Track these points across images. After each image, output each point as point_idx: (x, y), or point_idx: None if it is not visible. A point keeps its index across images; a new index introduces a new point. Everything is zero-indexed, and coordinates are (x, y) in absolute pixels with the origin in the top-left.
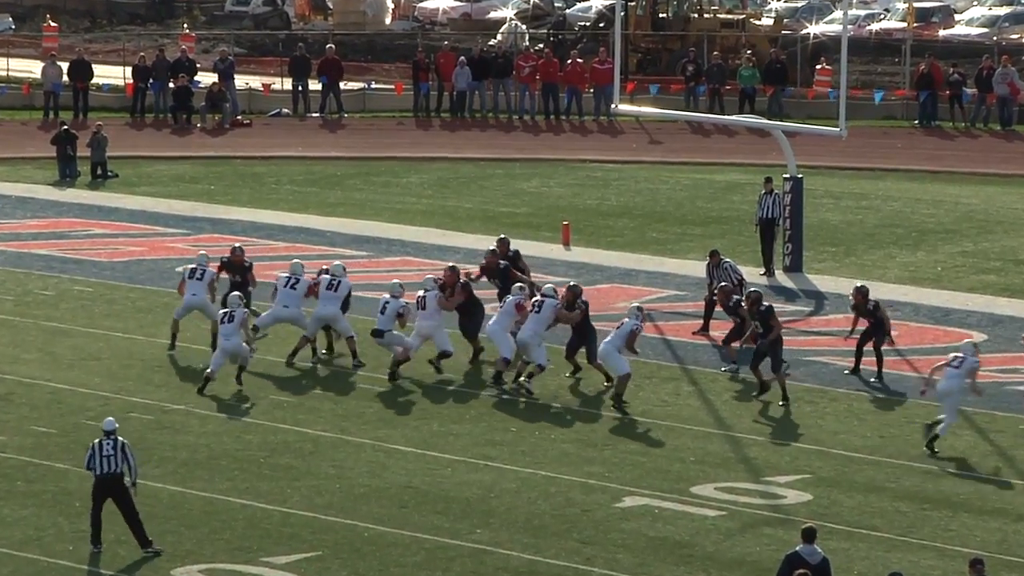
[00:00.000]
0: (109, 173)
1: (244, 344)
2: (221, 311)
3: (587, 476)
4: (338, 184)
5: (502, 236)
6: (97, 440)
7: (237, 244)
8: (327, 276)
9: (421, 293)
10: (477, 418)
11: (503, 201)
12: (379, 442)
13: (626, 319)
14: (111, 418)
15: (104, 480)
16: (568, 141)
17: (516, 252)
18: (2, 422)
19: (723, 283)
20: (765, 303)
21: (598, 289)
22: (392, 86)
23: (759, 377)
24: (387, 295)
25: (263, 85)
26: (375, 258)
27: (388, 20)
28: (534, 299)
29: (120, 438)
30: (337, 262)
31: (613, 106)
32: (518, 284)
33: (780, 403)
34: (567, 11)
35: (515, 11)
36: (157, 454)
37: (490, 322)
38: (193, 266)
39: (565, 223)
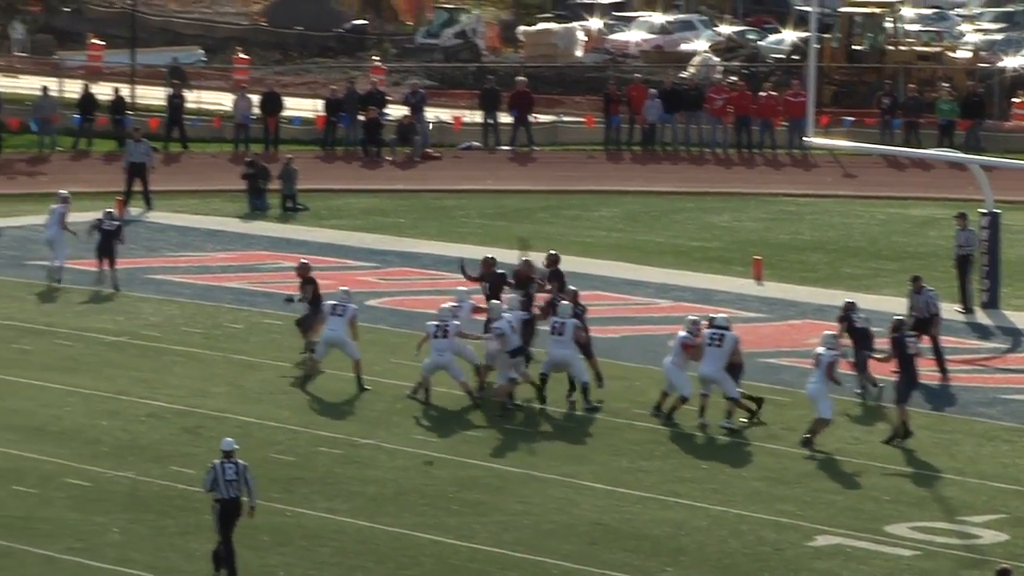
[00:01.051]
0: (299, 206)
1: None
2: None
3: (778, 514)
4: (527, 217)
5: (552, 252)
6: (218, 461)
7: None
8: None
9: (557, 319)
10: (667, 454)
11: (694, 235)
12: (567, 478)
13: (821, 350)
14: (230, 438)
15: (227, 504)
16: (761, 174)
17: (558, 270)
18: (191, 455)
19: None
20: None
21: (791, 325)
22: (583, 119)
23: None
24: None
25: (453, 118)
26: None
27: (579, 52)
28: (708, 332)
29: (240, 460)
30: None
31: (806, 139)
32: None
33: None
34: (760, 43)
35: (708, 43)
36: (345, 489)
37: (666, 360)
38: (335, 302)
39: (757, 258)
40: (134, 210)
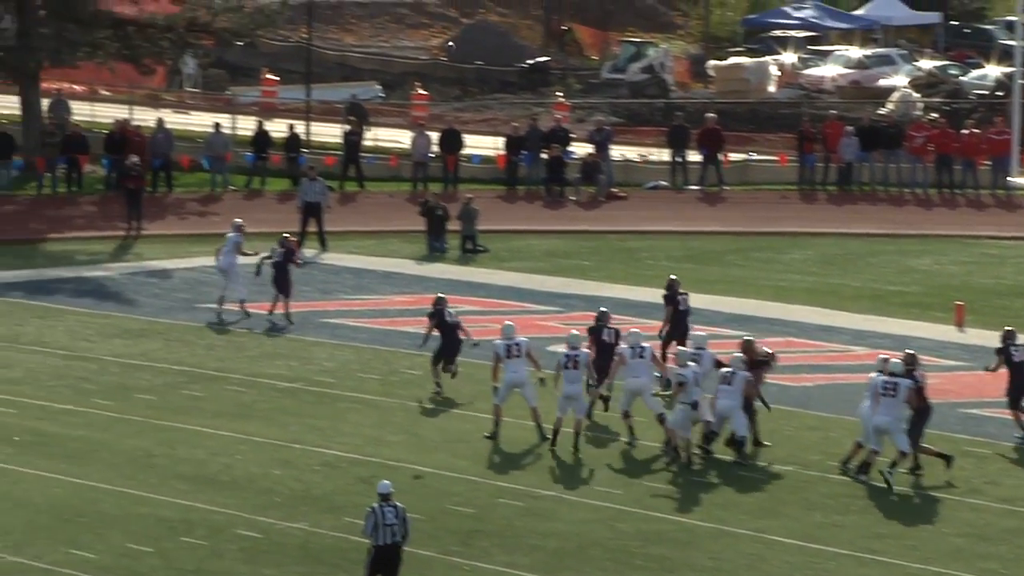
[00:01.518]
0: (479, 247)
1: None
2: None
3: (981, 573)
4: (716, 260)
5: (603, 309)
6: (376, 505)
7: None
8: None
9: (728, 369)
10: (862, 509)
11: (892, 279)
12: (759, 533)
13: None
14: (387, 481)
15: (385, 551)
16: (962, 216)
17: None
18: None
19: None
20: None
21: (994, 373)
22: (775, 157)
23: None
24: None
25: (639, 156)
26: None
27: (772, 88)
28: (882, 380)
29: (399, 504)
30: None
31: (1011, 179)
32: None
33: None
34: (963, 78)
35: (908, 79)
36: (526, 542)
37: (863, 406)
38: (507, 343)
39: (959, 303)
40: (309, 251)
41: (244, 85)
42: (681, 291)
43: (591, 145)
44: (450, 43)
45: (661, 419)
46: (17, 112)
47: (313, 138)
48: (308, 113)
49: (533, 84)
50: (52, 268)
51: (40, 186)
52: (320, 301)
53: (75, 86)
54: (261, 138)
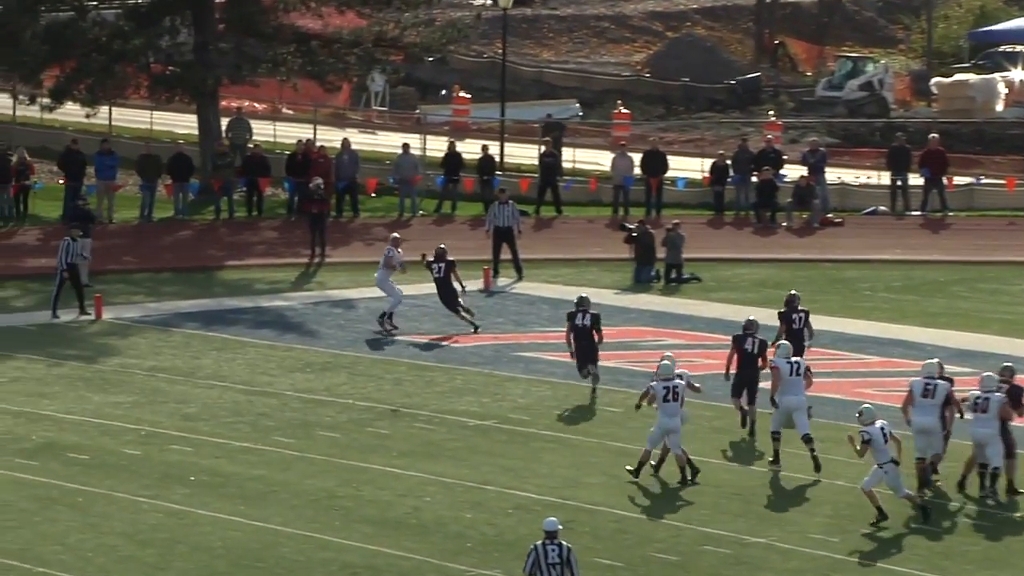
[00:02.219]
0: (685, 277)
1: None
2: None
3: None
4: (940, 291)
5: (751, 318)
6: (540, 543)
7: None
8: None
9: (979, 393)
10: None
11: None
12: None
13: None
14: (553, 518)
15: None
16: None
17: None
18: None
19: None
20: None
21: None
22: (1003, 181)
23: None
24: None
25: (857, 179)
26: (981, 375)
27: (999, 107)
28: (977, 396)
29: (565, 543)
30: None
31: None
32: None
33: None
34: None
35: None
36: None
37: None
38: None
39: None
40: (503, 280)
41: (434, 103)
42: (800, 308)
43: (804, 167)
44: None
45: (807, 439)
46: (195, 132)
47: (508, 159)
48: (502, 133)
49: (742, 102)
50: (230, 297)
51: (218, 210)
52: (514, 333)
53: (256, 104)
54: (452, 159)
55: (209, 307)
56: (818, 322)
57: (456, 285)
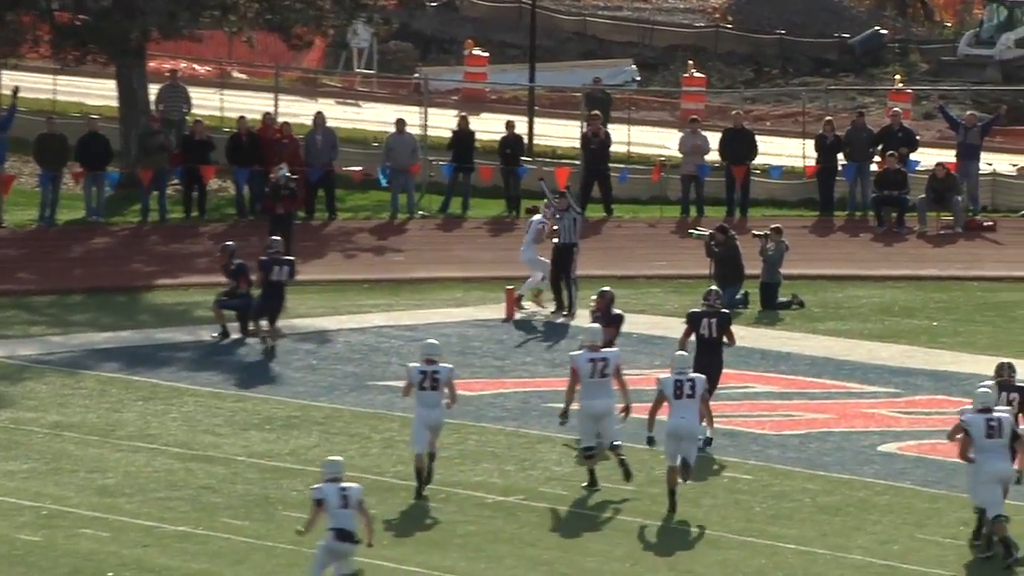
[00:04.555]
0: (784, 300)
1: None
2: None
3: None
4: None
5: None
6: None
7: None
8: None
9: None
10: None
11: None
12: None
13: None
14: None
15: None
16: None
17: None
18: None
19: None
20: None
21: None
22: None
23: None
24: None
25: (1016, 168)
26: None
27: None
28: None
29: None
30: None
31: None
32: None
33: None
34: None
35: None
36: None
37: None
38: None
39: None
40: (537, 307)
41: (440, 65)
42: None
43: (947, 152)
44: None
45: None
46: (114, 104)
47: (538, 141)
48: (531, 105)
49: (860, 64)
50: (162, 328)
51: (145, 210)
52: (549, 378)
53: (197, 66)
54: (463, 141)
55: (134, 342)
56: (960, 362)
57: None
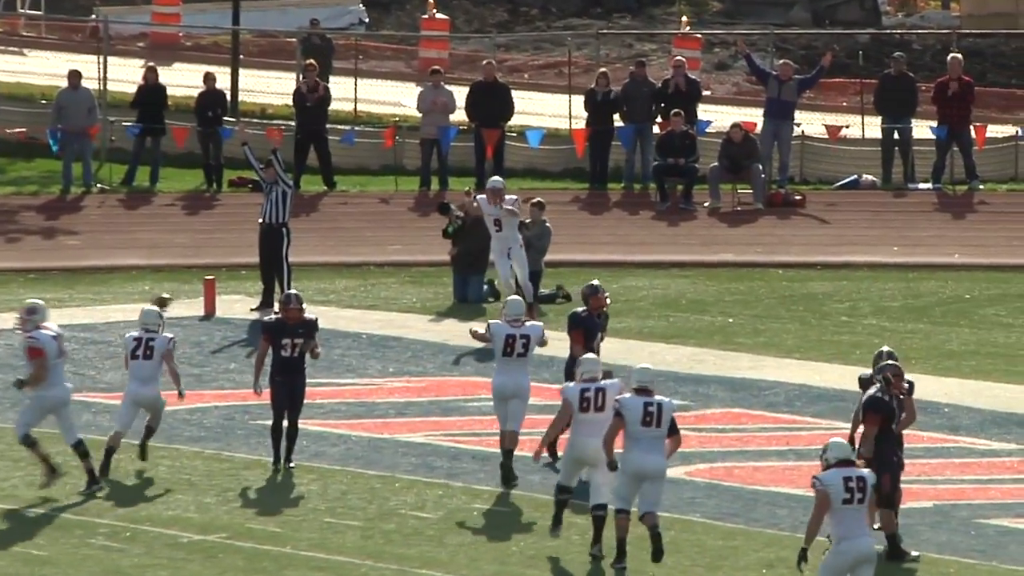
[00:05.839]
0: (546, 292)
1: None
2: None
3: None
4: (964, 315)
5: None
6: None
7: None
8: None
9: None
10: None
11: None
12: None
13: None
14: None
15: None
16: None
17: None
18: None
19: None
20: None
21: None
22: None
23: None
24: None
25: (831, 129)
26: None
27: None
28: None
29: None
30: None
31: None
32: None
33: None
34: None
35: None
36: None
37: None
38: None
39: None
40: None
41: (122, 4)
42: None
43: (746, 110)
44: None
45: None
46: None
47: (244, 98)
48: (235, 54)
49: (638, 3)
50: None
51: None
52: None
53: None
54: (152, 98)
55: None
56: (763, 368)
57: None
